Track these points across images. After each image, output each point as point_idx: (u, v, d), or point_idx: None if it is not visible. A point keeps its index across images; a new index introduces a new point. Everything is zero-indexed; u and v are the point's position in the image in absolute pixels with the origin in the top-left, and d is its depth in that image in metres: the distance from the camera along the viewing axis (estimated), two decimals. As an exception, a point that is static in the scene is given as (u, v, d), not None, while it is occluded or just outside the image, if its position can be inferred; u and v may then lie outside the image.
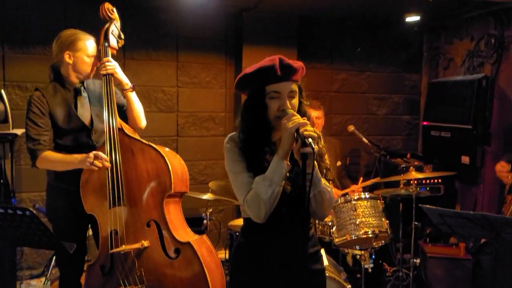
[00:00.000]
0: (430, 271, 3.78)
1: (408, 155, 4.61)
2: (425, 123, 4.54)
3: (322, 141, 1.70)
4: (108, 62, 2.46)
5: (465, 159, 4.07)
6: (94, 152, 2.32)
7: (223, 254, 3.61)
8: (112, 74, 2.47)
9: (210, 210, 3.39)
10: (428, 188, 4.19)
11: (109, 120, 2.41)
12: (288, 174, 1.61)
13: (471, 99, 3.98)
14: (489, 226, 2.14)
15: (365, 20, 4.60)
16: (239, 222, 3.46)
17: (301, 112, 1.66)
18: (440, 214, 2.31)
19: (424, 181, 4.17)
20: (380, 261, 3.75)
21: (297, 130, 1.49)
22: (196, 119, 4.32)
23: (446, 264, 3.77)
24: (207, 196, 3.22)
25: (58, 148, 2.44)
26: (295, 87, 1.66)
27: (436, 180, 4.32)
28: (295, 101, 1.66)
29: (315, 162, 1.56)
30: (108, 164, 2.34)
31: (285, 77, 1.62)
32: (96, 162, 2.29)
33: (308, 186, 1.50)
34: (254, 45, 4.17)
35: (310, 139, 1.46)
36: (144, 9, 3.94)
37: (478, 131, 4.00)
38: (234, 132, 1.73)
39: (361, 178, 3.90)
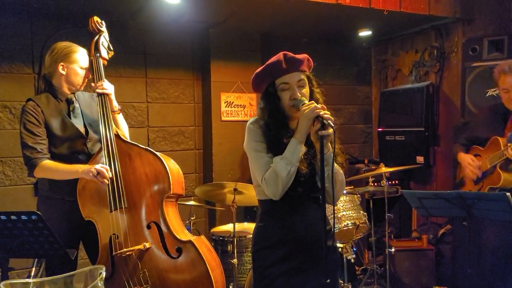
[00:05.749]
0: (398, 264, 4.07)
1: (366, 160, 4.99)
2: (380, 129, 4.90)
3: None
4: (105, 83, 2.54)
5: (420, 159, 4.45)
6: (98, 167, 2.33)
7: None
8: (107, 95, 2.54)
9: (193, 217, 3.45)
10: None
11: (106, 133, 2.45)
12: (303, 156, 1.77)
13: (422, 104, 4.40)
14: (463, 203, 2.41)
15: (318, 37, 4.93)
16: (221, 228, 3.55)
17: (314, 100, 1.84)
18: (419, 197, 2.56)
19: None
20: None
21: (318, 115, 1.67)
22: (166, 133, 4.38)
23: (412, 255, 4.08)
24: (191, 202, 3.30)
25: (53, 157, 2.42)
26: (303, 76, 1.83)
27: (393, 181, 4.68)
28: (306, 90, 1.83)
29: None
30: (109, 177, 2.36)
31: (291, 68, 1.80)
32: (100, 178, 2.31)
33: (329, 164, 1.66)
34: (221, 60, 4.34)
35: (330, 121, 1.64)
36: (113, 25, 3.99)
37: (429, 133, 4.42)
38: (256, 117, 1.88)
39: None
